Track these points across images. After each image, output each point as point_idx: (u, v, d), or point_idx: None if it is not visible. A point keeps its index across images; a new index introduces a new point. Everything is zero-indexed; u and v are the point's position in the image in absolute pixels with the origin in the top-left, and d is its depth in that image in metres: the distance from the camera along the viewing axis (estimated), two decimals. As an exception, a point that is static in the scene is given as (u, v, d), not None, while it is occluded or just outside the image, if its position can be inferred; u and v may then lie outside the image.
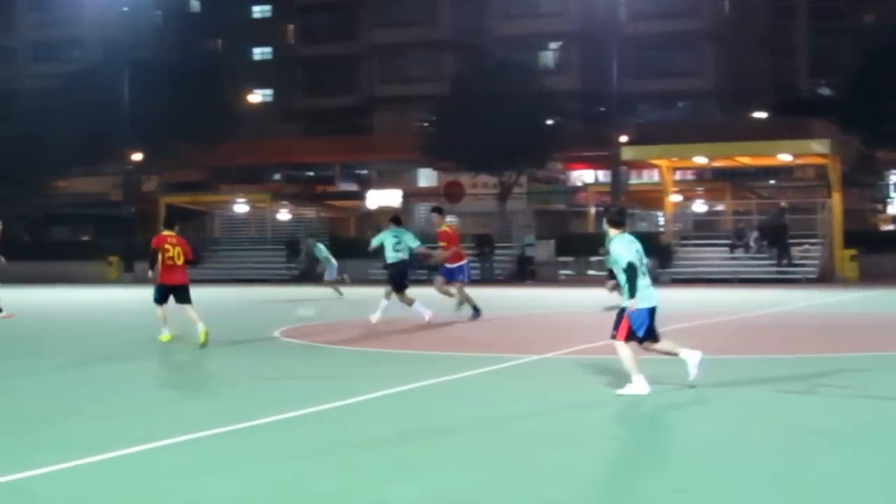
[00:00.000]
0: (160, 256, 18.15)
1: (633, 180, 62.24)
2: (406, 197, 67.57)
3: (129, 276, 53.81)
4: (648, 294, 11.92)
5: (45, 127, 58.70)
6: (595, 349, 15.96)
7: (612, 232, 12.05)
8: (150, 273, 18.77)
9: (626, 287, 11.79)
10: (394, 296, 21.79)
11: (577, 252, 52.35)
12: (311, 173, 74.52)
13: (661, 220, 56.48)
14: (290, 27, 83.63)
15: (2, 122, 59.77)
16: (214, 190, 68.00)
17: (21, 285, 46.83)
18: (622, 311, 11.98)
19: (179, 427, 9.86)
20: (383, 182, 70.46)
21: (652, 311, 12.00)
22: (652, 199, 56.94)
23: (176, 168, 65.94)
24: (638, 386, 11.80)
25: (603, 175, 63.25)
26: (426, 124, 60.66)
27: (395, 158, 67.03)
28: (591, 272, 49.14)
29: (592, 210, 63.05)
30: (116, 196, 63.82)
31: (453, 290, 23.45)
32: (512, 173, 58.23)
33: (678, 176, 58.24)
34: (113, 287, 47.86)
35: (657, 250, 46.44)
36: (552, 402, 11.76)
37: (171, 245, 18.31)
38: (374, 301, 22.69)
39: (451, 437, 9.75)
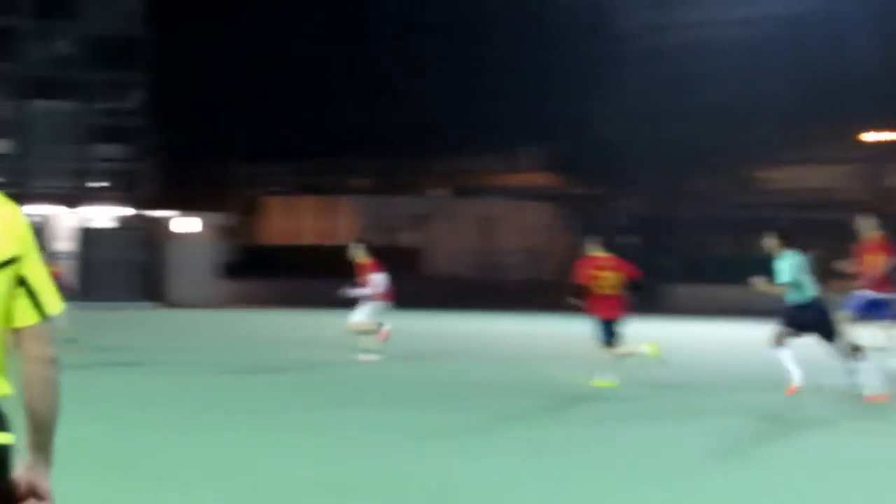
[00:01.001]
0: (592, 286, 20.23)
1: None
2: None
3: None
4: None
5: (746, 94, 58.35)
6: None
7: None
8: (575, 302, 20.78)
9: None
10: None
11: None
12: None
13: None
14: None
15: (689, 89, 59.01)
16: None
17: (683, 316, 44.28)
18: None
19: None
20: None
21: None
22: None
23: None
24: None
25: None
26: None
27: None
28: None
29: None
30: (843, 194, 61.09)
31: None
32: None
33: None
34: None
35: None
36: None
37: (604, 270, 19.91)
38: None
39: None
